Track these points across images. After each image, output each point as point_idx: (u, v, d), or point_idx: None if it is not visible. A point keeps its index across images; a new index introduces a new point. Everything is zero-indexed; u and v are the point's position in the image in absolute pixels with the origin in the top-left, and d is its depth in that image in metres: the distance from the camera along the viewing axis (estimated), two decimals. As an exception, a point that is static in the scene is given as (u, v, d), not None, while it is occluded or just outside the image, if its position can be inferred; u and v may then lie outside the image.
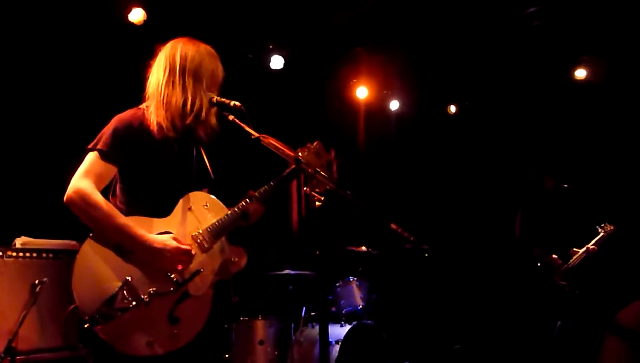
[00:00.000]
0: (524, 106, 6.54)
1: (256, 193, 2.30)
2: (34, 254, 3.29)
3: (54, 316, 3.27)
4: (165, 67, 2.24)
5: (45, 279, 3.22)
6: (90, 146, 2.13)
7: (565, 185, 4.92)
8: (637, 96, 5.65)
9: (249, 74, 5.44)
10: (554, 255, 4.71)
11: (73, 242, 3.34)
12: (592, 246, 4.65)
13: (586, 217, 4.84)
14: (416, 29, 5.52)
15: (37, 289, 3.20)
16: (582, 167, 5.62)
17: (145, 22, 4.44)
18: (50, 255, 3.35)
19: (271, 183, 2.32)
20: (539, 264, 4.76)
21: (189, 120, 2.21)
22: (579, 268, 4.68)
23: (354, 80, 6.29)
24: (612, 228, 4.66)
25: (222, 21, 4.90)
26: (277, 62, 5.55)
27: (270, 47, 5.52)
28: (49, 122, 4.27)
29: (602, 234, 4.66)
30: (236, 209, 2.27)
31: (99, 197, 2.05)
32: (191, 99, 2.20)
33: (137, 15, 4.43)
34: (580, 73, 6.03)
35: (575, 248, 4.71)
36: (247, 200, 2.28)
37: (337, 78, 6.26)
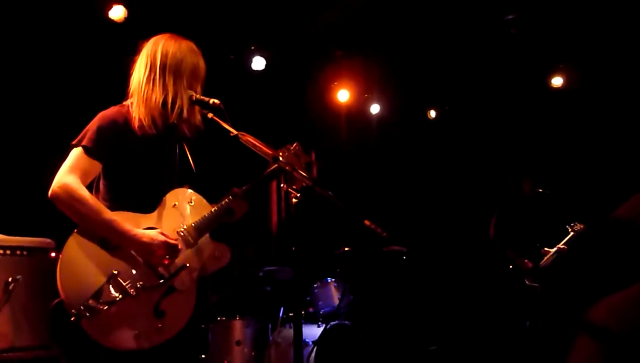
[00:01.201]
0: (502, 111, 6.66)
1: (240, 191, 2.33)
2: (8, 252, 3.23)
3: (28, 314, 3.21)
4: (146, 63, 2.25)
5: (18, 277, 3.16)
6: (74, 142, 2.14)
7: (540, 190, 5.02)
8: (611, 103, 5.80)
9: (230, 74, 5.44)
10: (525, 259, 4.80)
11: (48, 240, 3.30)
12: (563, 246, 4.76)
13: (560, 221, 4.95)
14: (397, 34, 5.59)
15: (11, 287, 3.14)
16: (557, 172, 5.74)
17: (126, 20, 4.41)
18: (25, 252, 3.29)
19: (253, 182, 2.36)
20: (510, 266, 4.86)
21: (172, 118, 2.23)
22: (551, 268, 4.77)
23: (335, 83, 6.33)
24: (581, 227, 4.76)
25: (204, 21, 4.89)
26: (258, 63, 5.56)
27: (252, 48, 5.53)
28: (26, 119, 4.21)
29: (572, 233, 4.76)
30: (222, 205, 2.30)
31: (85, 192, 2.05)
32: (171, 97, 2.21)
33: (117, 12, 4.41)
34: (557, 80, 6.17)
35: (546, 249, 4.82)
36: (231, 197, 2.31)
37: (318, 81, 6.29)
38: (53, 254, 3.25)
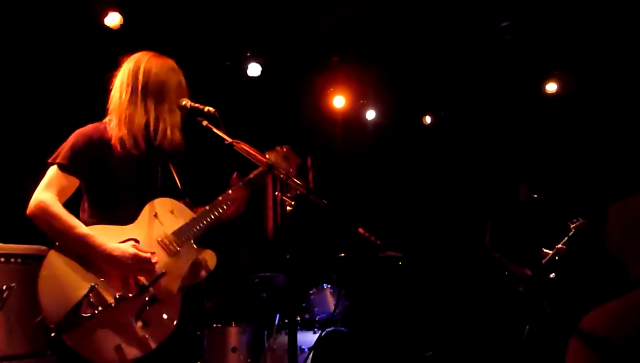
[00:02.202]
0: (497, 117, 6.69)
1: (241, 180, 2.37)
2: (2, 259, 3.22)
3: (22, 322, 3.20)
4: (128, 83, 2.25)
5: (13, 285, 3.15)
6: (50, 160, 2.16)
7: (536, 196, 5.03)
8: (605, 108, 5.84)
9: (226, 80, 5.45)
10: (518, 266, 4.81)
11: (42, 247, 3.27)
12: (562, 246, 4.76)
13: (555, 227, 4.96)
14: (393, 40, 5.61)
15: (5, 295, 3.12)
16: (552, 177, 5.76)
17: (122, 27, 4.42)
18: (19, 260, 3.28)
19: (249, 176, 2.39)
20: (506, 273, 4.87)
21: (156, 141, 2.24)
22: (549, 267, 4.79)
23: (331, 89, 6.35)
24: (583, 221, 4.76)
25: (200, 27, 4.90)
26: (254, 69, 5.57)
27: (248, 54, 5.54)
28: (22, 126, 4.21)
29: (573, 230, 4.77)
30: (208, 207, 2.30)
31: (58, 209, 2.07)
32: (153, 121, 2.23)
33: (113, 19, 4.41)
34: (551, 87, 6.21)
35: (545, 250, 4.83)
36: (228, 192, 2.33)
37: (314, 87, 6.30)
38: (46, 260, 3.24)
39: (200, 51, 4.98)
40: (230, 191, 2.36)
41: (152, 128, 2.23)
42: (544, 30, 5.40)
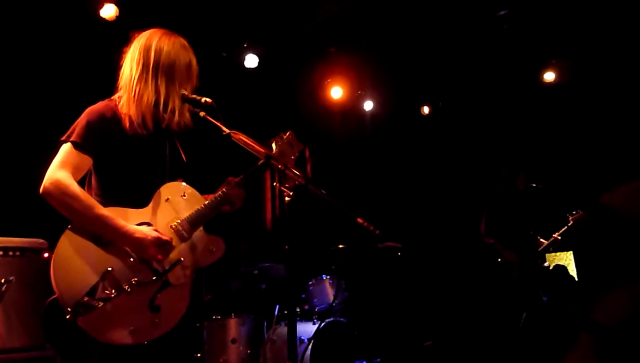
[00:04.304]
0: (495, 107, 6.68)
1: (235, 179, 2.33)
2: (0, 252, 3.22)
3: (21, 315, 3.20)
4: (139, 60, 2.22)
5: (11, 278, 3.14)
6: (63, 138, 2.11)
7: (534, 185, 5.03)
8: (603, 97, 5.83)
9: (223, 72, 5.42)
10: (512, 253, 4.82)
11: (41, 240, 3.28)
12: (558, 236, 4.78)
13: (552, 216, 4.97)
14: (390, 30, 5.59)
15: (3, 288, 3.12)
16: (550, 166, 5.77)
17: (117, 18, 4.39)
18: (17, 253, 3.27)
19: (247, 172, 2.35)
20: (499, 260, 4.88)
21: (164, 121, 2.22)
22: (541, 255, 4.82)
23: (328, 80, 6.33)
24: (582, 214, 4.76)
25: (196, 18, 4.87)
26: (251, 60, 5.55)
27: (245, 45, 5.52)
28: (17, 118, 4.19)
29: (571, 222, 4.78)
30: (218, 195, 2.29)
31: (76, 188, 2.02)
32: (163, 99, 2.20)
33: (109, 11, 4.38)
34: (549, 76, 6.20)
35: (541, 239, 4.84)
36: (227, 186, 2.31)
37: (311, 78, 6.28)
38: (46, 255, 3.24)
39: (196, 42, 4.93)
40: (231, 187, 2.33)
41: (161, 106, 2.20)
42: (541, 19, 5.38)
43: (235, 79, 5.62)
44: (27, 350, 3.21)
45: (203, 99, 2.19)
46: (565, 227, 4.80)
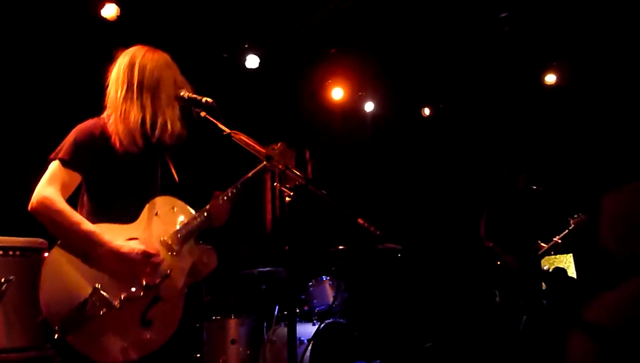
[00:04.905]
0: (496, 109, 6.68)
1: (223, 195, 2.29)
2: (0, 252, 3.21)
3: (21, 315, 3.19)
4: (123, 80, 2.22)
5: (11, 277, 3.14)
6: (52, 156, 2.12)
7: (535, 187, 5.03)
8: (604, 99, 5.83)
9: (224, 72, 5.43)
10: (511, 256, 4.82)
11: (41, 240, 3.28)
12: (558, 240, 4.77)
13: (553, 218, 4.97)
14: (391, 31, 5.59)
15: (3, 287, 3.12)
16: (551, 168, 5.76)
17: (119, 18, 4.39)
18: (17, 253, 3.27)
19: (238, 184, 2.32)
20: (498, 262, 4.88)
21: (155, 137, 2.21)
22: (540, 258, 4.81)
23: (329, 81, 6.33)
24: (584, 217, 4.75)
25: (197, 19, 4.88)
26: (252, 61, 5.55)
27: (246, 46, 5.52)
28: (18, 119, 4.19)
29: (572, 225, 4.76)
30: (204, 212, 2.26)
31: (63, 205, 2.02)
32: (150, 116, 2.20)
33: (110, 11, 4.38)
34: (550, 78, 6.20)
35: (542, 243, 4.84)
36: (213, 202, 2.28)
37: (312, 79, 6.28)
38: (46, 254, 3.23)
39: (197, 43, 4.96)
40: (216, 203, 2.29)
41: (148, 124, 2.19)
42: (542, 21, 5.38)
43: (236, 80, 5.62)
44: (27, 350, 3.20)
45: (204, 99, 2.19)
46: (567, 231, 4.78)
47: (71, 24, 4.38)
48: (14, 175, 3.99)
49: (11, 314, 3.18)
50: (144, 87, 2.21)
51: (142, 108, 2.19)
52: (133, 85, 2.20)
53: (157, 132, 2.20)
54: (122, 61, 2.26)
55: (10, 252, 3.24)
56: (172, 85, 2.26)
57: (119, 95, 2.20)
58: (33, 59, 4.28)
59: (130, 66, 2.23)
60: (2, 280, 3.12)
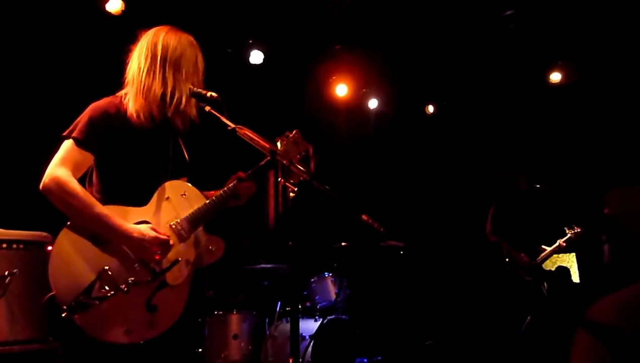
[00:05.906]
0: (500, 107, 6.66)
1: (245, 174, 2.33)
2: (4, 245, 3.20)
3: (24, 308, 3.20)
4: (147, 55, 2.23)
5: (15, 270, 3.14)
6: (65, 134, 2.10)
7: (538, 186, 5.02)
8: (610, 99, 5.80)
9: (228, 68, 5.42)
10: (521, 253, 4.82)
11: (44, 234, 3.27)
12: (563, 242, 4.77)
13: (557, 217, 4.96)
14: (395, 28, 5.57)
15: (7, 281, 3.12)
16: (555, 168, 5.74)
17: (123, 13, 4.39)
18: (21, 246, 3.26)
19: (254, 168, 2.35)
20: (507, 259, 4.87)
21: (169, 112, 2.22)
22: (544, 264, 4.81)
23: (333, 78, 6.32)
24: (579, 230, 4.77)
25: (201, 14, 4.87)
26: (256, 57, 5.54)
27: (250, 41, 5.51)
28: (22, 112, 4.19)
29: (569, 235, 4.78)
30: (225, 191, 2.29)
31: (76, 186, 2.02)
32: (170, 91, 2.20)
33: (114, 5, 4.39)
34: (555, 76, 6.17)
35: (544, 246, 4.83)
36: (237, 180, 2.31)
37: (316, 75, 6.27)
38: (49, 248, 3.23)
39: (202, 38, 4.94)
40: (237, 183, 2.33)
41: (168, 98, 2.20)
42: (548, 19, 5.36)
43: (240, 75, 5.62)
44: (30, 343, 3.21)
45: (209, 94, 2.19)
46: (566, 238, 4.80)
47: (76, 18, 4.38)
48: (17, 170, 4.00)
49: (14, 307, 3.18)
50: (167, 61, 2.22)
51: (164, 81, 2.21)
52: (156, 59, 2.22)
53: (172, 107, 2.21)
54: (145, 39, 2.29)
55: (14, 246, 3.24)
56: (194, 64, 2.29)
57: (142, 69, 2.21)
58: (38, 54, 4.28)
59: (154, 42, 2.25)
60: (6, 273, 3.12)
